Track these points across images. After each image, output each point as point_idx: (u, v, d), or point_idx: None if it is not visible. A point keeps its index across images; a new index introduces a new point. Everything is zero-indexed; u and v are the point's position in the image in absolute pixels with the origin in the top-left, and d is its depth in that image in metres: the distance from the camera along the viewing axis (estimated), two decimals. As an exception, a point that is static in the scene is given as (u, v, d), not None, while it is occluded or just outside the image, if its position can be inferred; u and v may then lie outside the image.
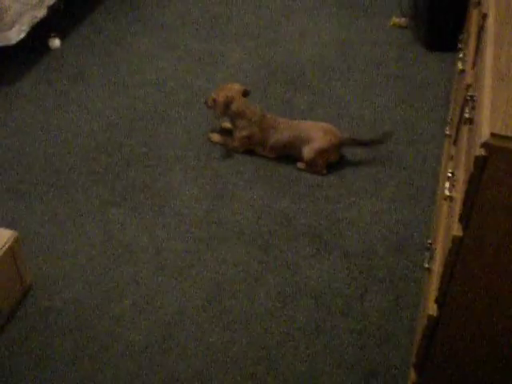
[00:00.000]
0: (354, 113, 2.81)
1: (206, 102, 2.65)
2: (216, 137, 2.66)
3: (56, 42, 3.25)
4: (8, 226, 2.11)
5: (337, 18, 3.43)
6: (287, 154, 2.57)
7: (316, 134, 2.49)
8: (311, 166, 2.51)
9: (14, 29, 2.90)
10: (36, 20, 3.03)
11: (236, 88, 2.59)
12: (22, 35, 2.96)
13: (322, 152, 2.47)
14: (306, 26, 3.37)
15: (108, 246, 2.25)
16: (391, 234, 2.29)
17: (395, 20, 3.37)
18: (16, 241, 2.00)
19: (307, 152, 2.48)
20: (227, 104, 2.55)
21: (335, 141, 2.49)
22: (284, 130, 2.53)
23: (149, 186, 2.48)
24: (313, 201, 2.40)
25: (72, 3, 3.45)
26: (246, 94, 2.62)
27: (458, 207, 1.39)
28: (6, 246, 1.96)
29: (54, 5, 3.12)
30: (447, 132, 2.36)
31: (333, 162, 2.54)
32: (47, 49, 3.23)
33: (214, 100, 2.58)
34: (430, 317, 1.51)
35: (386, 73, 3.05)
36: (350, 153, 2.61)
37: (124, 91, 2.95)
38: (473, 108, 1.53)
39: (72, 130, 2.75)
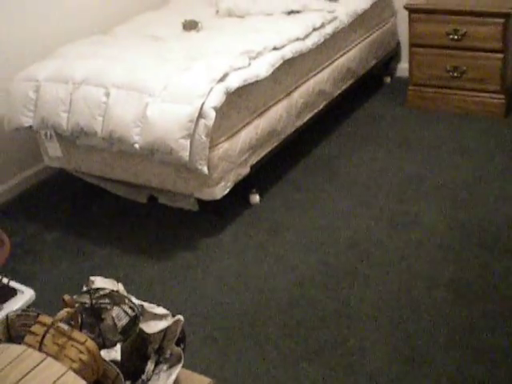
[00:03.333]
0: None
1: None
2: None
3: (256, 198, 3.44)
4: (204, 372, 2.18)
5: (535, 181, 3.37)
6: None
7: None
8: None
9: (219, 185, 3.12)
10: (240, 177, 3.25)
11: None
12: (226, 191, 3.18)
13: None
14: (503, 186, 3.33)
15: (298, 402, 2.25)
16: None
17: None
18: (212, 389, 2.06)
19: None
20: None
21: None
22: None
23: (341, 343, 2.48)
24: (510, 372, 2.29)
25: (272, 162, 3.66)
26: None
27: None
28: (203, 393, 2.02)
29: (256, 163, 3.35)
30: None
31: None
32: (247, 203, 3.42)
33: None
34: None
35: None
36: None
37: (318, 247, 3.03)
38: None
39: (268, 282, 2.85)
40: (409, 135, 3.98)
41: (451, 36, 4.01)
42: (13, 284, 2.21)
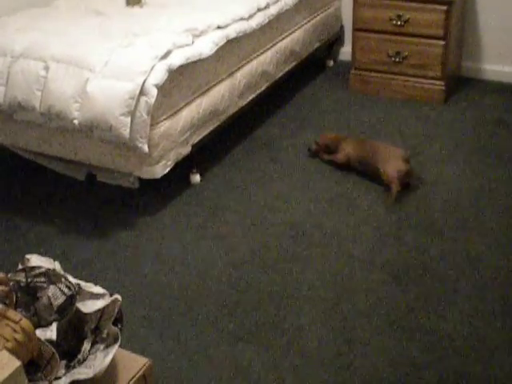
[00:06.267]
0: (489, 265, 2.76)
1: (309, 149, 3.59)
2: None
3: (196, 178, 3.42)
4: (141, 352, 2.16)
5: (471, 165, 3.44)
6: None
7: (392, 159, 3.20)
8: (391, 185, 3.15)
9: (160, 164, 3.09)
10: (180, 156, 3.23)
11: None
12: (167, 170, 3.15)
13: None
14: (440, 170, 3.39)
15: (235, 382, 2.26)
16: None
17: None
18: (149, 368, 2.04)
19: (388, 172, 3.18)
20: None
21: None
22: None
23: (278, 324, 2.50)
24: (443, 353, 2.34)
25: (214, 142, 3.65)
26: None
27: None
28: (140, 373, 2.00)
29: (197, 143, 3.33)
30: None
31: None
32: (188, 183, 3.41)
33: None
34: None
35: (522, 225, 3.00)
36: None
37: (258, 229, 3.04)
38: None
39: (206, 263, 2.84)
40: (350, 119, 4.01)
41: (394, 21, 4.05)
42: None
